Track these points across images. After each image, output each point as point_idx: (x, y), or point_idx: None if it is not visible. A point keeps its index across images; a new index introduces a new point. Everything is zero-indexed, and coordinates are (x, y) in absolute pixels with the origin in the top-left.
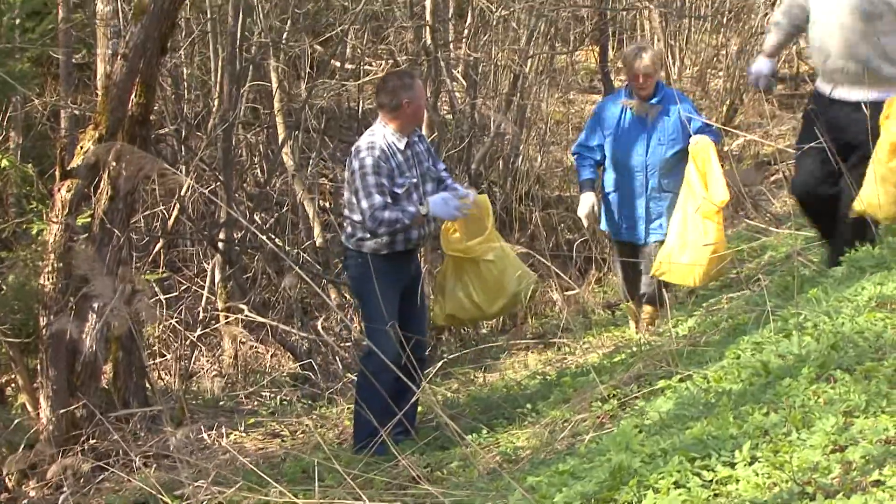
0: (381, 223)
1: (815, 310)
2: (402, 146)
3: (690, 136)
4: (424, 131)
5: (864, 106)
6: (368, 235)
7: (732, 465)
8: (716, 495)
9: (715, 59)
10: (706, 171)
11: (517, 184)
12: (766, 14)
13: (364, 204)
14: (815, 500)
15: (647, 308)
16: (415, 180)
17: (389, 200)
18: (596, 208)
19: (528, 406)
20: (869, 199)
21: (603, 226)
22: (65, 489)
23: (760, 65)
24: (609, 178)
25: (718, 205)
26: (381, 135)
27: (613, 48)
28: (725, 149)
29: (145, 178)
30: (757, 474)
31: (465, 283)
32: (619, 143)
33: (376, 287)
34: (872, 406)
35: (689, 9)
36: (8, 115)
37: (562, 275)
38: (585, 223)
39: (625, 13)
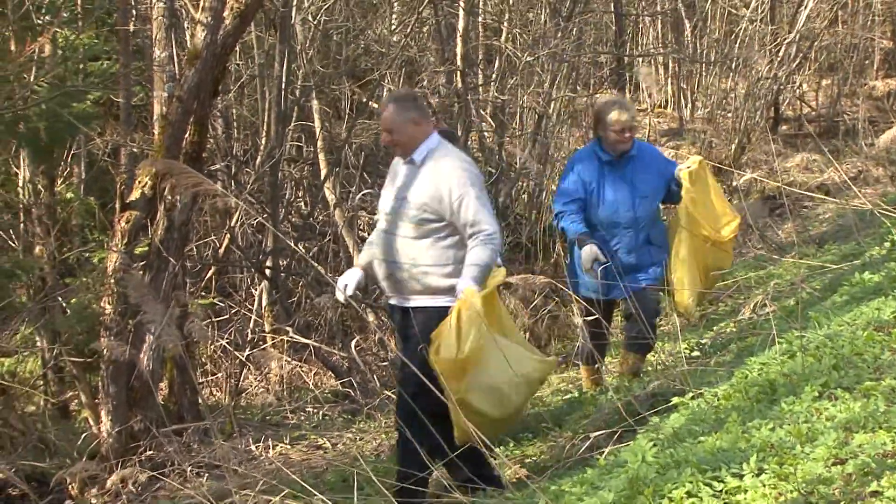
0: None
1: (817, 333)
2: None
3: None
4: None
5: None
6: None
7: (741, 477)
8: None
9: (724, 101)
10: (705, 198)
11: (541, 216)
12: (771, 61)
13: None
14: None
15: (635, 356)
16: None
17: None
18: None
19: (552, 422)
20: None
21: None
22: (123, 497)
23: None
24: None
25: (728, 236)
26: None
27: (630, 91)
28: (734, 184)
29: (198, 202)
30: (764, 485)
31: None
32: (603, 201)
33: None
34: (871, 422)
35: (700, 55)
36: (72, 152)
37: (582, 301)
38: (596, 276)
39: (640, 59)
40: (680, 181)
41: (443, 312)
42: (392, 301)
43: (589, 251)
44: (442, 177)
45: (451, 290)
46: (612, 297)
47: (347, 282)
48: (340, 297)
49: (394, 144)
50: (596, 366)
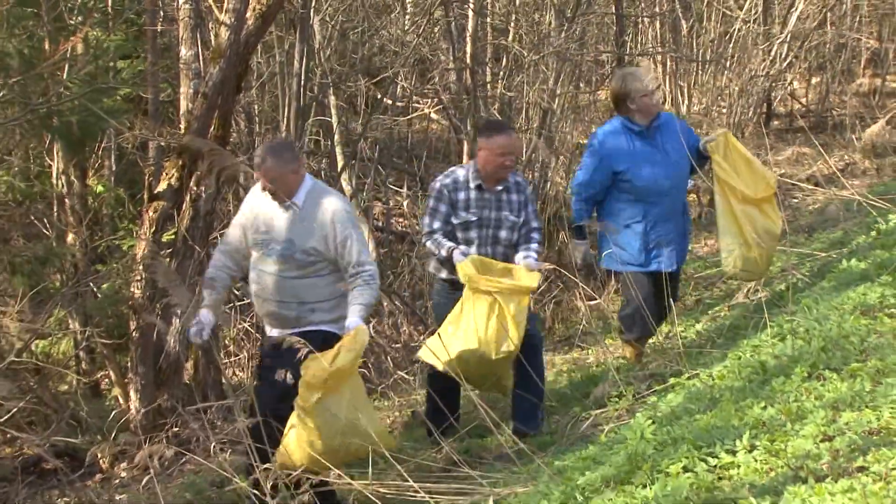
0: (429, 247)
1: (806, 317)
2: (474, 184)
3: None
4: (465, 160)
5: None
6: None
7: (734, 453)
8: (720, 479)
9: (719, 97)
10: (728, 158)
11: (546, 206)
12: (763, 60)
13: (423, 221)
14: (807, 483)
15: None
16: (473, 219)
17: (437, 226)
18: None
19: (555, 400)
20: None
21: (611, 263)
22: (151, 471)
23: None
24: (628, 208)
25: (768, 192)
26: (468, 169)
27: None
28: None
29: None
30: (756, 461)
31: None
32: (640, 172)
33: (437, 309)
34: (857, 401)
35: (696, 54)
36: (103, 145)
37: (585, 286)
38: (583, 269)
39: (640, 57)
40: (706, 153)
41: (327, 336)
42: (273, 332)
43: (583, 246)
44: (326, 218)
45: (336, 320)
46: (658, 270)
47: (202, 327)
48: (197, 341)
49: (275, 192)
50: (642, 338)
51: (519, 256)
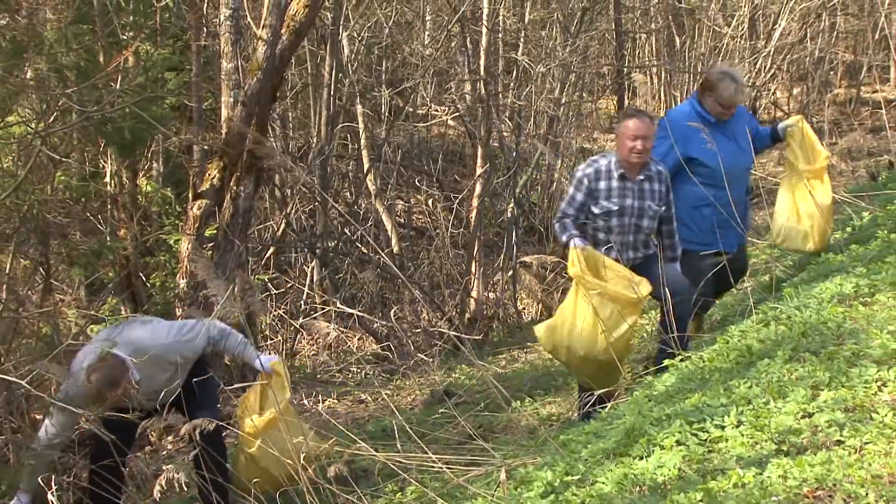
0: (556, 229)
1: (788, 305)
2: (617, 173)
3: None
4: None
5: None
6: None
7: (723, 428)
8: (710, 451)
9: None
10: (803, 145)
11: (552, 204)
12: (749, 72)
13: (560, 206)
14: (789, 455)
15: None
16: (615, 208)
17: (570, 211)
18: None
19: (561, 380)
20: None
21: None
22: (194, 444)
23: None
24: (700, 191)
25: (822, 164)
26: (610, 159)
27: (628, 97)
28: None
29: (259, 192)
30: (742, 435)
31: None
32: (710, 157)
33: None
34: (834, 382)
35: (689, 66)
36: (152, 149)
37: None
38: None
39: (637, 69)
40: (782, 137)
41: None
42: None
43: None
44: None
45: None
46: (719, 250)
47: None
48: None
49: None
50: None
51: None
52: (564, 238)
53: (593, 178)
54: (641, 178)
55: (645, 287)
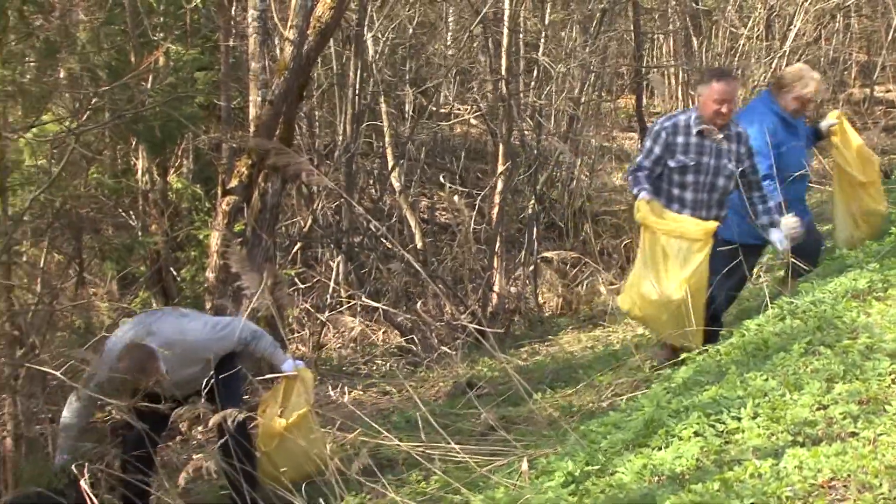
0: (629, 180)
1: (803, 299)
2: (696, 129)
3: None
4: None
5: None
6: None
7: (739, 419)
8: (726, 443)
9: None
10: (847, 144)
11: (572, 200)
12: (765, 72)
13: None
14: (805, 446)
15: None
16: (691, 163)
17: (646, 164)
18: None
19: (581, 372)
20: None
21: (738, 236)
22: (225, 434)
23: None
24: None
25: (873, 177)
26: (690, 115)
27: (647, 96)
28: None
29: (286, 188)
30: (759, 426)
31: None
32: (788, 152)
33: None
34: (849, 374)
35: (706, 67)
36: (182, 146)
37: (605, 272)
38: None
39: (655, 69)
40: (825, 134)
41: None
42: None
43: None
44: None
45: None
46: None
47: None
48: None
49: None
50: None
51: (773, 237)
52: (635, 190)
53: (671, 131)
54: (720, 136)
55: (711, 222)
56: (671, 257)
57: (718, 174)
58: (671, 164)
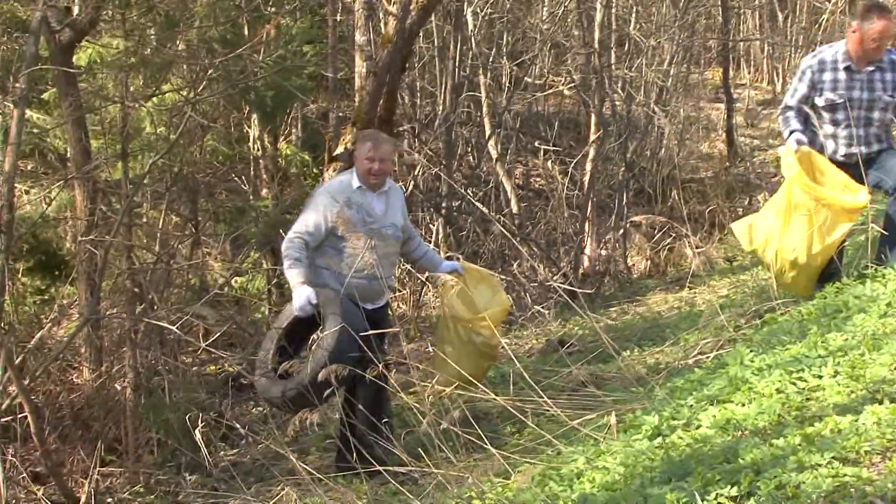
0: (779, 122)
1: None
2: (843, 65)
3: None
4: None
5: None
6: None
7: (820, 377)
8: (807, 399)
9: None
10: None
11: (660, 168)
12: None
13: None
14: (883, 403)
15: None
16: (840, 100)
17: (792, 103)
18: None
19: (667, 331)
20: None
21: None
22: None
23: None
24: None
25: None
26: (836, 49)
27: (733, 68)
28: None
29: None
30: (839, 384)
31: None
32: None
33: None
34: None
35: (790, 40)
36: (291, 115)
37: (692, 236)
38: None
39: (742, 43)
40: None
41: None
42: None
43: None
44: (402, 199)
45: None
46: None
47: (308, 299)
48: (308, 308)
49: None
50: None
51: None
52: (786, 133)
53: (817, 69)
54: (871, 68)
55: (863, 195)
56: (816, 223)
57: (873, 107)
58: (819, 101)
